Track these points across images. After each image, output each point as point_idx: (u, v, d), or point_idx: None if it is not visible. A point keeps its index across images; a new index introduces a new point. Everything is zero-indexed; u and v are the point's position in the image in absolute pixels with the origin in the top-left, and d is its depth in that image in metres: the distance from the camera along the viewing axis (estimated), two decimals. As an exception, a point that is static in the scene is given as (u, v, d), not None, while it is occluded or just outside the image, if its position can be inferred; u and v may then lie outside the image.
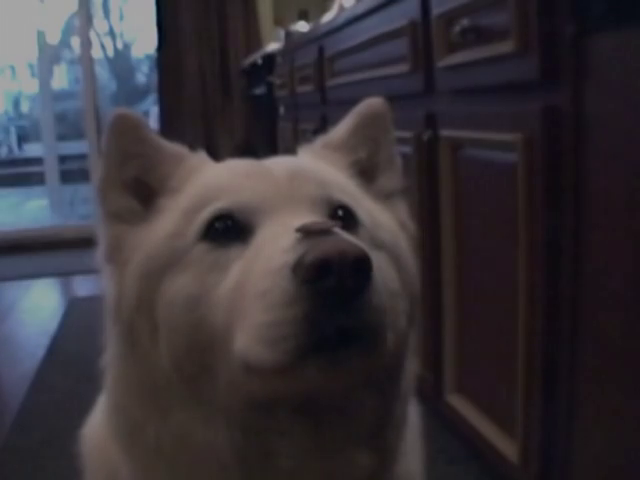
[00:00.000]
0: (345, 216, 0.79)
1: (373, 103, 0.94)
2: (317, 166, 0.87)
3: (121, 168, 0.84)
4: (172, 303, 0.74)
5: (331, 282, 0.62)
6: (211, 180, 0.82)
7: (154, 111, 8.92)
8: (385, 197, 0.92)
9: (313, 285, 0.63)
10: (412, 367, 0.87)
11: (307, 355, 0.64)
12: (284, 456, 0.74)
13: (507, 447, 1.68)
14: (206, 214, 0.77)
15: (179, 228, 0.78)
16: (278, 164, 0.85)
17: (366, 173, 0.92)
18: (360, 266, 0.64)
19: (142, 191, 0.84)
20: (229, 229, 0.75)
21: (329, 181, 0.82)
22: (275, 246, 0.68)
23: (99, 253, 0.85)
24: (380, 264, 0.74)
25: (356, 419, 0.76)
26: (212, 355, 0.72)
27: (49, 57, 7.00)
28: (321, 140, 0.95)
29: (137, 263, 0.79)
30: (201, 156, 0.90)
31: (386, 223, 0.86)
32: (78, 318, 3.67)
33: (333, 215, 0.78)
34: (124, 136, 0.83)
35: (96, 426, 0.95)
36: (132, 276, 0.79)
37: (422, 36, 2.00)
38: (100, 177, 0.85)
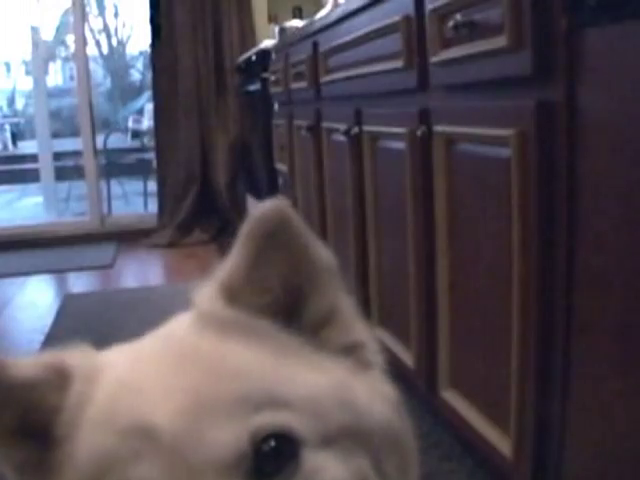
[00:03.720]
0: (276, 455, 0.55)
1: (265, 214, 0.62)
2: (229, 371, 0.59)
3: None
4: None
5: None
6: (96, 444, 0.59)
7: (148, 108, 8.93)
8: (340, 350, 0.65)
9: None
10: None
11: None
12: None
13: (501, 442, 1.68)
14: None
15: None
16: (174, 393, 0.57)
17: (289, 308, 0.64)
18: None
19: (36, 430, 0.64)
20: None
21: (248, 398, 0.57)
22: None
23: None
24: (327, 467, 0.57)
25: None
26: None
27: (43, 54, 6.99)
28: (218, 285, 0.64)
29: None
30: (85, 366, 0.63)
31: (330, 399, 0.61)
32: (72, 314, 3.65)
33: (259, 467, 0.55)
34: None
35: None
36: None
37: (416, 32, 2.00)
38: None
